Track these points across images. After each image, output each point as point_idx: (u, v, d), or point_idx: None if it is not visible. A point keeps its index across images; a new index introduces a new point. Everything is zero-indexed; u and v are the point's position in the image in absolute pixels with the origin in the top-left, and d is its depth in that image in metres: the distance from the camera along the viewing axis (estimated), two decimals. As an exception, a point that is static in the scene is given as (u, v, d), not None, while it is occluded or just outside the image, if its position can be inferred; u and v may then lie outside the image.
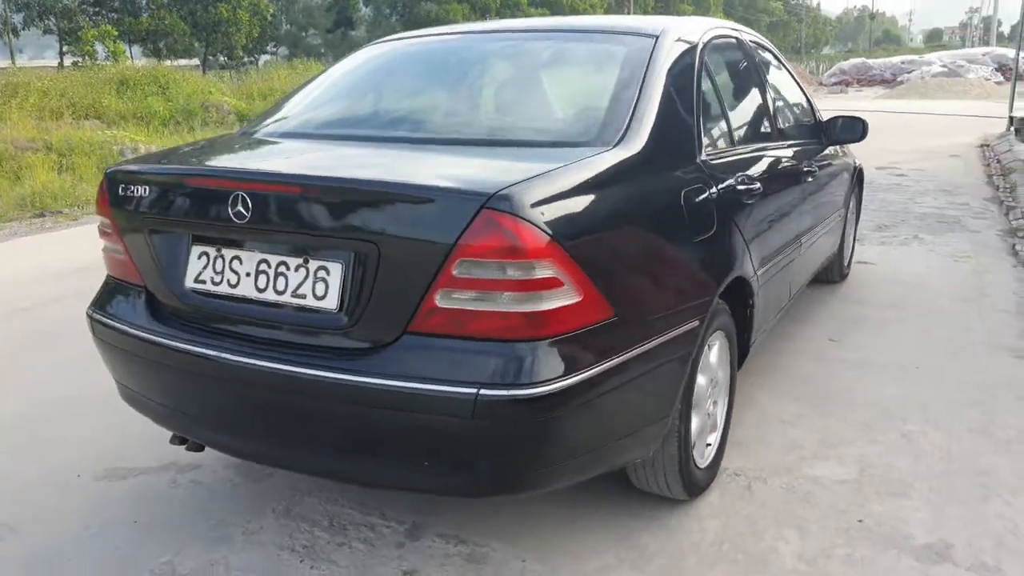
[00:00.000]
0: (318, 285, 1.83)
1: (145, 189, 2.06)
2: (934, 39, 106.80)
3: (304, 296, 1.84)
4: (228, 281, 1.95)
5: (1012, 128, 8.83)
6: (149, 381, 2.16)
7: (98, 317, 2.22)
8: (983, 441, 2.77)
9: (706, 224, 2.26)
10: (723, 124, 2.68)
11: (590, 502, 2.43)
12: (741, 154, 2.70)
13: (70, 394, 3.39)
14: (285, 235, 1.87)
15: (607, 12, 54.39)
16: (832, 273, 4.59)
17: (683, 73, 2.43)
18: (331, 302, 1.81)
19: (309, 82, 2.90)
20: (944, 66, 30.90)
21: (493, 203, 1.63)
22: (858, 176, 4.75)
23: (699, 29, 2.72)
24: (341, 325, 1.80)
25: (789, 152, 3.24)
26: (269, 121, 2.64)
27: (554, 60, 2.71)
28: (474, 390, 1.64)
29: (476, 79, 2.70)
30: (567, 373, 1.69)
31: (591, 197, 1.84)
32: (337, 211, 1.80)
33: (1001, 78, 29.39)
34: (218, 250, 1.97)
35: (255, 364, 1.85)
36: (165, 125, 16.41)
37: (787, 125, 3.41)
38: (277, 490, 2.57)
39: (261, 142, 2.52)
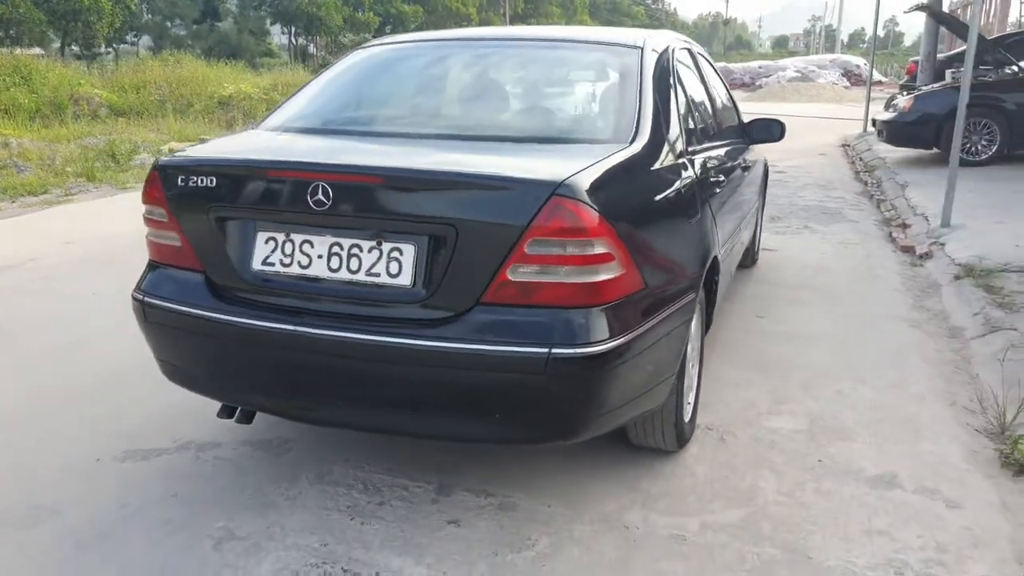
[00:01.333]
0: (392, 264, 2.05)
1: (211, 180, 2.20)
2: (781, 45, 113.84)
3: (378, 275, 2.07)
4: (299, 263, 2.14)
5: (874, 129, 9.84)
6: (211, 357, 2.31)
7: (152, 301, 2.34)
8: (902, 394, 3.30)
9: (695, 208, 2.63)
10: (691, 122, 3.07)
11: (592, 457, 2.75)
12: (707, 149, 3.10)
13: (55, 383, 3.41)
14: (360, 220, 2.08)
15: (479, 11, 54.90)
16: (747, 258, 5.12)
17: (663, 78, 2.79)
18: (405, 279, 2.04)
19: (319, 79, 3.04)
20: (798, 71, 33.29)
21: (561, 190, 1.93)
22: (766, 171, 5.32)
23: (665, 41, 3.10)
24: (417, 298, 2.04)
25: (731, 148, 3.68)
26: (296, 117, 2.79)
27: (563, 67, 3.02)
28: (546, 349, 1.93)
29: (499, 82, 2.96)
30: (618, 334, 2.01)
31: (625, 185, 2.16)
32: (417, 198, 2.04)
33: (848, 83, 32.02)
34: (287, 235, 2.16)
35: (334, 335, 2.06)
36: (32, 119, 15.49)
37: (727, 125, 3.86)
38: (301, 461, 2.74)
39: (310, 136, 2.67)
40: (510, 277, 1.97)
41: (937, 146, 8.83)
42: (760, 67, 32.72)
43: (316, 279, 2.13)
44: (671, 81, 2.84)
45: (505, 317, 1.99)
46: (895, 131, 9.08)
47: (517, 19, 56.63)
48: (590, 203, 1.95)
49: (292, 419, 2.56)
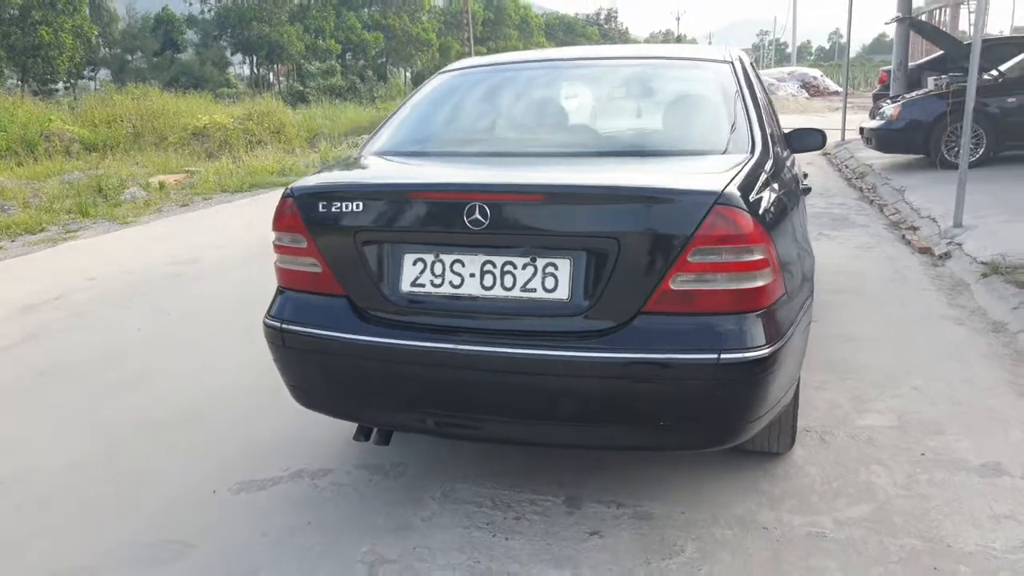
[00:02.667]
0: (547, 279, 2.11)
1: (358, 205, 2.23)
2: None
3: (534, 290, 2.11)
4: (450, 282, 2.18)
5: (860, 138, 10.15)
6: (359, 379, 2.33)
7: (292, 327, 2.35)
8: (974, 388, 3.42)
9: (801, 214, 2.73)
10: (771, 132, 3.18)
11: (703, 463, 2.81)
12: (787, 157, 3.21)
13: (130, 419, 3.38)
14: (515, 238, 2.12)
15: (439, 36, 55.21)
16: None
17: (754, 89, 2.89)
18: (562, 293, 2.10)
19: (411, 104, 3.08)
20: (760, 84, 33.98)
21: (722, 199, 2.01)
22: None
23: (737, 55, 3.21)
24: (576, 311, 2.09)
25: (791, 156, 3.81)
26: (406, 142, 2.84)
27: (660, 82, 3.10)
28: (715, 355, 1.99)
29: (605, 99, 3.03)
30: (774, 338, 2.09)
31: (763, 193, 2.25)
32: (578, 214, 2.10)
33: (807, 94, 32.82)
34: (436, 255, 2.20)
35: (494, 351, 2.10)
36: (2, 157, 15.24)
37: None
38: (420, 482, 2.76)
39: (434, 159, 2.72)
40: (672, 287, 2.03)
41: (925, 151, 9.14)
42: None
43: (470, 297, 2.17)
44: (758, 92, 2.95)
45: (669, 325, 2.05)
46: (884, 138, 9.37)
47: (476, 42, 56.98)
48: (748, 211, 2.03)
49: (447, 437, 2.60)
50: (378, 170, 2.66)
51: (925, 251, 5.95)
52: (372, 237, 2.26)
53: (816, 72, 36.27)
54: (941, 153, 8.90)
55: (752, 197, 2.14)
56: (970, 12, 23.49)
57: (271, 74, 50.62)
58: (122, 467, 2.99)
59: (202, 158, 15.64)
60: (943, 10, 24.24)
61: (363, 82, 33.32)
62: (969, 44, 12.08)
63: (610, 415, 2.14)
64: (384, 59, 52.62)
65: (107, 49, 45.22)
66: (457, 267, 2.18)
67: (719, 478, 2.72)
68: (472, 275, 2.16)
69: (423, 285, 2.21)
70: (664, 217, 2.05)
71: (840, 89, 33.67)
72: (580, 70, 3.25)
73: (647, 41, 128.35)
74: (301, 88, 31.63)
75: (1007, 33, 23.86)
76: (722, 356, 1.99)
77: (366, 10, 51.41)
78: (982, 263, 5.17)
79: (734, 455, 2.84)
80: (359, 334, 2.24)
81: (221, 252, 6.87)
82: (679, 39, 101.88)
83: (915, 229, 6.66)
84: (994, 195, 6.97)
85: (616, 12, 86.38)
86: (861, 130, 10.11)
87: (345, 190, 2.32)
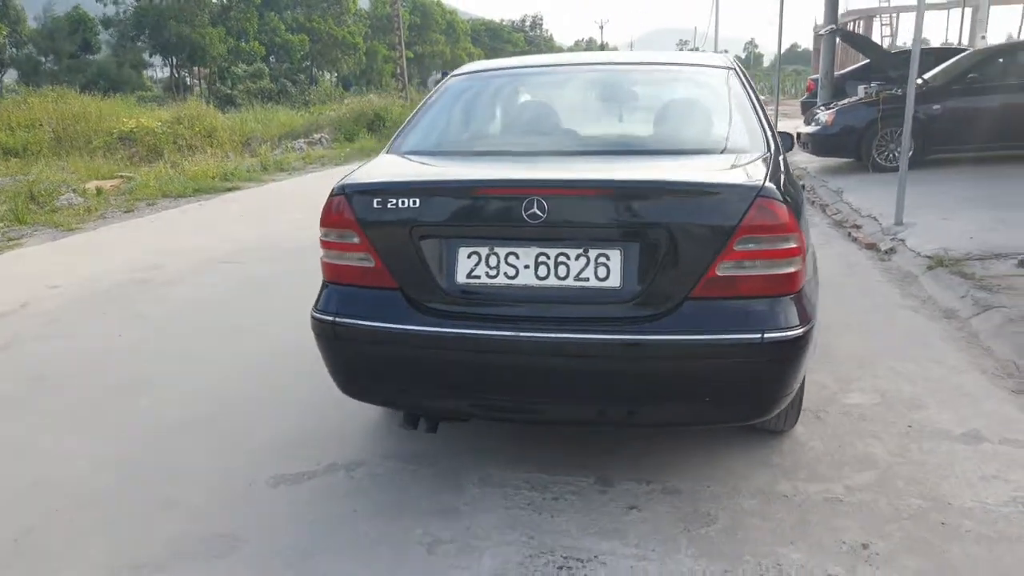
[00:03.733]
0: (599, 269, 2.27)
1: (414, 201, 2.34)
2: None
3: (587, 279, 2.27)
4: (505, 273, 2.32)
5: (799, 142, 10.66)
6: (414, 369, 2.43)
7: (345, 320, 2.44)
8: (942, 367, 3.74)
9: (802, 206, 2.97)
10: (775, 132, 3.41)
11: (713, 441, 3.01)
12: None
13: (142, 422, 3.39)
14: (570, 230, 2.27)
15: (365, 40, 54.77)
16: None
17: (754, 94, 3.12)
18: (614, 281, 2.26)
19: (432, 107, 3.18)
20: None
21: (764, 192, 2.21)
22: None
23: (734, 62, 3.45)
24: (626, 298, 2.26)
25: None
26: (439, 143, 2.97)
27: (672, 85, 3.29)
28: (759, 334, 2.19)
29: (624, 101, 3.19)
30: (806, 319, 2.31)
31: (788, 187, 2.46)
32: (632, 206, 2.27)
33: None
34: (491, 248, 2.33)
35: (550, 336, 2.25)
36: (-84, 160, 14.53)
37: None
38: (454, 469, 2.87)
39: (474, 158, 2.84)
40: (718, 273, 2.22)
41: (857, 155, 9.69)
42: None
43: (525, 287, 2.31)
44: (756, 95, 3.18)
45: (715, 309, 2.24)
46: (820, 143, 9.90)
47: (398, 45, 56.74)
48: (784, 201, 2.24)
49: (502, 420, 2.72)
50: (427, 168, 2.77)
51: (871, 247, 6.36)
52: (428, 232, 2.37)
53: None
54: (873, 157, 9.46)
55: (783, 190, 2.35)
56: (882, 25, 24.86)
57: (188, 76, 49.20)
58: (150, 467, 3.01)
59: (133, 163, 15.18)
60: (856, 23, 25.53)
61: (295, 85, 32.78)
62: (895, 54, 12.88)
63: (659, 394, 2.32)
64: (309, 62, 51.87)
65: (14, 49, 43.19)
66: (512, 259, 2.31)
67: (733, 455, 2.93)
68: (527, 266, 2.30)
69: (478, 276, 2.34)
70: (712, 209, 2.24)
71: (763, 97, 35.05)
72: (598, 74, 3.43)
73: (570, 49, 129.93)
74: (229, 91, 30.92)
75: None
76: (765, 336, 2.20)
77: (290, 12, 50.58)
78: (927, 257, 5.58)
79: (740, 434, 3.05)
80: (417, 325, 2.35)
81: (184, 257, 6.77)
82: (603, 47, 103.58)
83: (858, 227, 7.09)
84: (926, 196, 7.47)
85: (541, 19, 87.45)
86: (798, 135, 10.63)
87: (402, 187, 2.43)
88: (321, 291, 2.59)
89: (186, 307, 5.28)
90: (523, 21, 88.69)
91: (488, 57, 70.93)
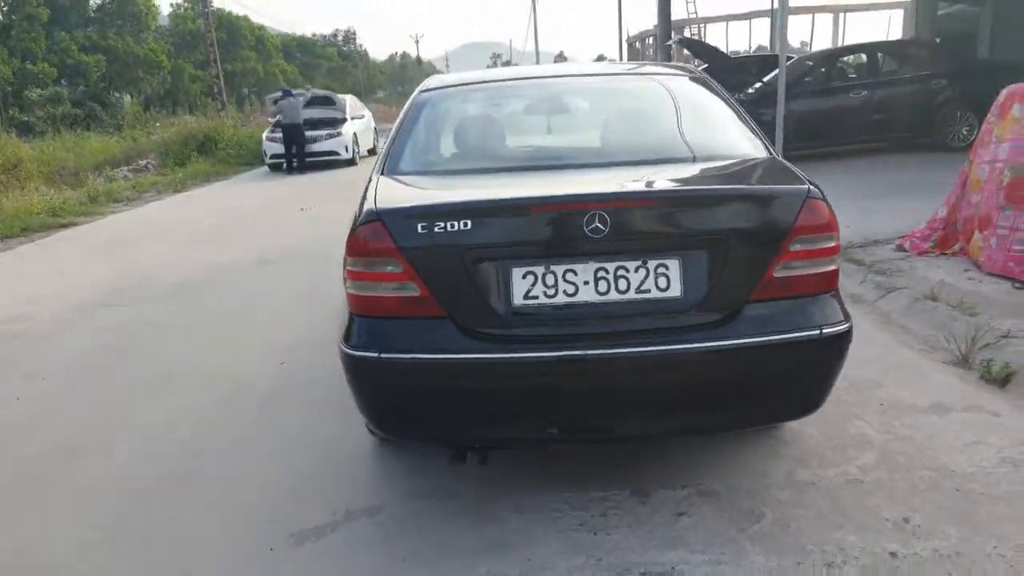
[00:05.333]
0: (660, 279, 2.27)
1: (465, 223, 2.22)
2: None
3: (648, 291, 2.27)
4: (564, 291, 2.26)
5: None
6: (475, 399, 2.31)
7: (391, 356, 2.27)
8: (877, 347, 4.07)
9: None
10: None
11: (718, 443, 3.09)
12: None
13: (105, 492, 3.00)
14: (629, 243, 2.26)
15: (169, 58, 51.67)
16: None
17: (730, 99, 3.24)
18: (675, 291, 2.28)
19: (413, 125, 3.03)
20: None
21: (811, 195, 2.32)
22: None
23: (698, 68, 3.58)
24: (689, 306, 2.28)
25: None
26: (435, 162, 2.85)
27: (663, 94, 3.30)
28: (817, 331, 2.29)
29: (621, 112, 3.15)
30: (847, 313, 2.43)
31: None
32: (691, 215, 2.29)
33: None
34: (546, 267, 2.27)
35: (616, 352, 2.23)
36: None
37: None
38: (481, 502, 2.77)
39: (501, 175, 2.77)
40: (776, 275, 2.30)
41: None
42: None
43: (586, 304, 2.27)
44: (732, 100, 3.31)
45: (774, 310, 2.31)
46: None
47: (214, 63, 54.07)
48: (826, 202, 2.35)
49: (570, 443, 2.70)
50: (461, 187, 2.64)
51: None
52: (482, 254, 2.27)
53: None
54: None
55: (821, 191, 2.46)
56: (691, 34, 26.75)
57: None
58: (141, 544, 2.66)
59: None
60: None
61: (105, 109, 30.15)
62: (737, 60, 13.88)
63: (725, 398, 2.36)
64: (107, 83, 48.02)
65: None
66: (570, 276, 2.27)
67: (743, 451, 3.03)
68: (586, 282, 2.27)
69: (536, 297, 2.27)
70: (768, 213, 2.32)
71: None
72: (577, 85, 3.42)
73: (384, 63, 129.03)
74: (25, 118, 28.00)
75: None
76: (823, 331, 2.30)
77: (82, 31, 46.61)
78: (812, 246, 6.05)
79: (737, 432, 3.15)
80: (477, 352, 2.25)
81: (52, 303, 6.06)
82: (420, 63, 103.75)
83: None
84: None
85: (354, 33, 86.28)
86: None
87: (451, 209, 2.30)
88: (350, 326, 2.40)
89: (82, 360, 4.72)
90: (335, 35, 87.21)
91: (303, 73, 69.05)
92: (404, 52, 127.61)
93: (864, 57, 11.32)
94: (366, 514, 2.74)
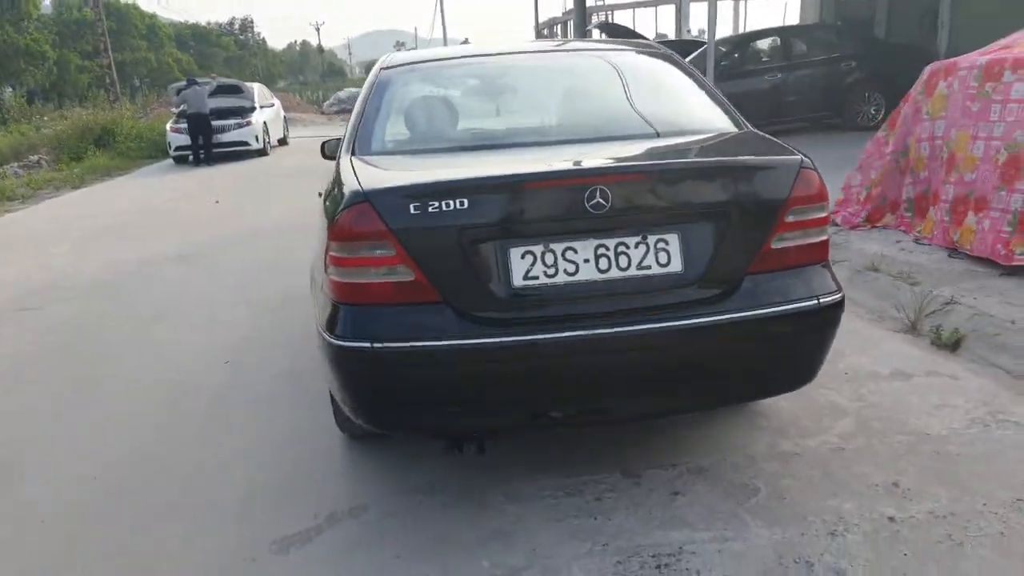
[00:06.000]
0: (660, 255, 2.22)
1: (461, 202, 2.10)
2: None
3: (649, 267, 2.22)
4: (565, 271, 2.18)
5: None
6: (475, 386, 2.20)
7: (386, 345, 2.14)
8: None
9: None
10: None
11: (702, 420, 3.08)
12: None
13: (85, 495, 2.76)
14: (628, 218, 2.19)
15: (54, 48, 48.77)
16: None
17: (697, 75, 3.22)
18: (675, 266, 2.23)
19: (379, 101, 2.88)
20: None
21: (804, 164, 2.31)
22: None
23: (660, 45, 3.55)
24: (690, 281, 2.24)
25: None
26: (411, 140, 2.72)
27: (634, 69, 3.23)
28: (815, 301, 2.29)
29: (593, 86, 3.04)
30: (838, 283, 2.44)
31: None
32: (692, 188, 2.24)
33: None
34: (545, 246, 2.18)
35: (620, 331, 2.17)
36: None
37: None
38: (470, 492, 2.67)
39: (490, 152, 2.67)
40: (773, 246, 2.28)
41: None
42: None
43: (587, 283, 2.20)
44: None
45: (772, 282, 2.29)
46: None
47: (100, 54, 51.42)
48: (818, 173, 2.35)
49: (573, 427, 2.67)
50: (450, 165, 2.51)
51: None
52: (479, 234, 2.16)
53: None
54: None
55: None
56: (599, 21, 26.97)
57: None
58: (102, 569, 2.44)
59: None
60: (573, 21, 27.47)
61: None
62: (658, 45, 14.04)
63: (729, 373, 2.33)
64: (-16, 76, 44.90)
65: None
66: (570, 255, 2.19)
67: (721, 426, 3.02)
68: (586, 260, 2.19)
69: (536, 277, 2.18)
70: (765, 184, 2.30)
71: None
72: (546, 60, 3.32)
73: (283, 52, 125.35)
74: None
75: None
76: (821, 301, 2.30)
77: (-48, 20, 43.39)
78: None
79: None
80: (480, 338, 2.14)
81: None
82: (321, 51, 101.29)
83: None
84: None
85: (252, 21, 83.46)
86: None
87: (447, 187, 2.17)
88: (335, 315, 2.25)
89: (13, 365, 4.35)
90: (231, 24, 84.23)
91: (199, 63, 66.28)
92: (304, 41, 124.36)
93: (777, 41, 11.64)
94: (351, 515, 2.60)
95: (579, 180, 2.18)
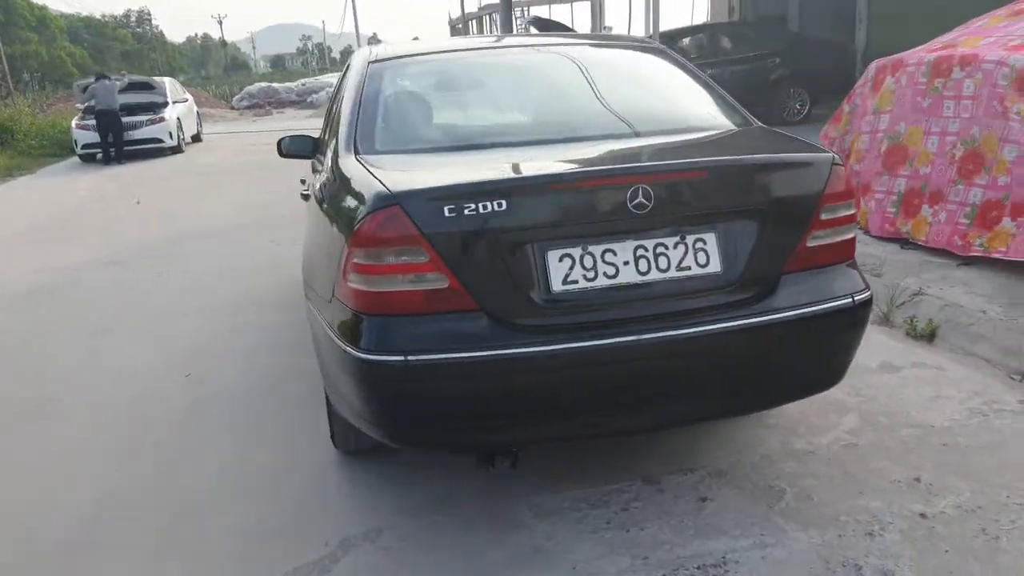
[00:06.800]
0: (699, 255, 2.15)
1: (500, 203, 1.97)
2: (278, 66, 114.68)
3: (688, 268, 2.14)
4: (605, 273, 2.08)
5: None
6: (510, 399, 2.08)
7: (420, 358, 1.98)
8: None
9: None
10: None
11: (716, 420, 3.04)
12: None
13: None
14: (669, 218, 2.11)
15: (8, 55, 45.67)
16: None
17: (696, 71, 3.17)
18: (714, 266, 2.16)
19: (369, 99, 2.69)
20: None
21: (836, 161, 2.28)
22: None
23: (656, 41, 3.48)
24: (729, 281, 2.17)
25: None
26: (412, 139, 2.62)
27: (635, 65, 3.12)
28: (850, 299, 2.26)
29: (598, 82, 2.90)
30: (867, 281, 2.43)
31: None
32: (734, 185, 2.18)
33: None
34: (584, 248, 2.07)
35: (665, 335, 2.09)
36: None
37: None
38: (493, 508, 2.56)
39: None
40: (808, 244, 2.24)
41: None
42: (303, 84, 33.17)
43: (629, 286, 2.10)
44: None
45: (808, 280, 2.26)
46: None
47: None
48: (845, 169, 2.32)
49: (613, 436, 2.61)
50: (478, 164, 2.35)
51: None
52: (517, 237, 2.03)
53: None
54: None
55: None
56: (516, 17, 26.98)
57: None
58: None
59: None
60: (490, 16, 27.39)
61: None
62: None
63: (769, 375, 2.28)
64: None
65: None
66: (609, 256, 2.09)
67: (731, 426, 2.99)
68: (626, 263, 2.09)
69: (576, 281, 2.07)
70: (801, 181, 2.25)
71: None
72: (547, 55, 3.18)
73: (183, 45, 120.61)
74: None
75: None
76: (855, 298, 2.27)
77: None
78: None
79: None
80: (520, 347, 2.01)
81: None
82: (224, 45, 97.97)
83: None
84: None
85: (149, 14, 79.99)
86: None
87: (484, 188, 2.02)
88: (358, 326, 2.07)
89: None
90: (127, 17, 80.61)
91: (94, 57, 63.03)
92: (205, 34, 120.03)
93: (704, 39, 11.85)
94: (365, 539, 2.43)
95: (624, 179, 2.08)
